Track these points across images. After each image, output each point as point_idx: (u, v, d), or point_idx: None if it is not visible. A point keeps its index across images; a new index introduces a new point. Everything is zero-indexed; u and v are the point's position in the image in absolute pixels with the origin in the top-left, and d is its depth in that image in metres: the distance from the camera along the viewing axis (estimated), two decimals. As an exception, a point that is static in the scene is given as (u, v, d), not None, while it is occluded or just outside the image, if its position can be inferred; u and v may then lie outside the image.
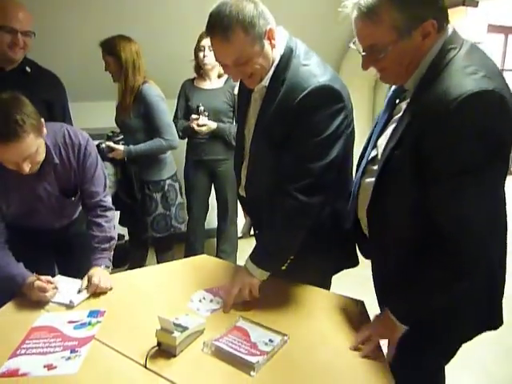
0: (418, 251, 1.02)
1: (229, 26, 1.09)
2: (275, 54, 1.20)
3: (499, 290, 1.12)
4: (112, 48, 2.24)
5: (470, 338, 1.16)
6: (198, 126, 2.50)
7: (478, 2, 2.97)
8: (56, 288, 1.39)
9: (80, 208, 1.73)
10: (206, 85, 2.60)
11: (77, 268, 1.55)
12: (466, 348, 1.17)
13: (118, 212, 2.38)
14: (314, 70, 1.18)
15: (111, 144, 2.31)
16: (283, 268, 1.31)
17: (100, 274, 1.44)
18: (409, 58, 0.97)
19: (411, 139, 0.96)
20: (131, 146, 2.31)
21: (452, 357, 1.20)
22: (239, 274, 1.30)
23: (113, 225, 1.65)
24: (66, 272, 1.56)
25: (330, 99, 1.17)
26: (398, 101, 1.11)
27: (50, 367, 1.07)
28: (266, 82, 1.22)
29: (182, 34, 2.62)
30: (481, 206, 0.93)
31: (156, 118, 2.27)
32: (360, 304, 1.30)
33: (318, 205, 1.22)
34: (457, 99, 0.86)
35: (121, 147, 2.30)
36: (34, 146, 1.33)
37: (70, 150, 1.51)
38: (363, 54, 1.00)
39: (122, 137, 2.34)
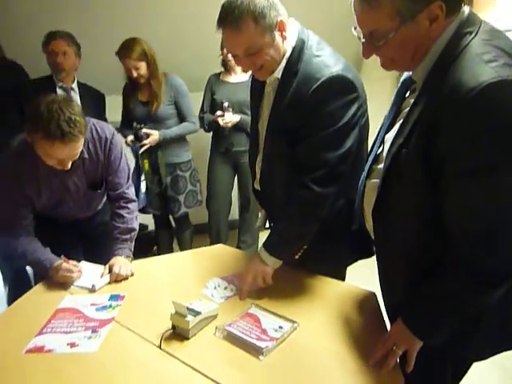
0: (427, 261, 0.95)
1: (239, 16, 1.10)
2: (286, 46, 1.21)
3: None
4: (140, 53, 2.36)
5: (483, 358, 1.06)
6: (223, 121, 2.57)
7: (508, -12, 2.84)
8: (80, 272, 1.47)
9: (104, 199, 1.80)
10: (231, 79, 2.66)
11: (100, 255, 1.63)
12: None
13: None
14: (326, 61, 1.18)
15: (148, 130, 2.47)
16: (296, 257, 1.33)
17: (121, 262, 1.51)
18: (414, 45, 0.87)
19: (421, 136, 0.86)
20: (164, 131, 2.52)
21: (462, 376, 1.14)
22: (253, 262, 1.33)
23: (135, 216, 1.71)
24: (90, 258, 1.64)
25: (344, 89, 1.17)
26: (408, 94, 1.03)
27: (72, 345, 1.14)
28: (278, 74, 1.24)
29: (206, 30, 2.65)
30: (505, 207, 0.82)
31: (186, 102, 2.56)
32: (372, 296, 1.31)
33: (332, 195, 1.23)
34: (473, 90, 0.76)
35: (156, 132, 2.48)
36: (82, 144, 1.41)
37: (98, 144, 1.57)
38: (363, 41, 0.92)
39: (151, 125, 2.51)
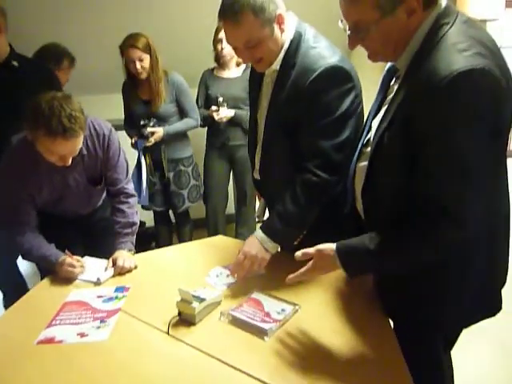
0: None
1: (239, 9, 1.14)
2: (284, 39, 1.25)
3: (497, 275, 1.09)
4: (146, 44, 2.39)
5: (466, 325, 1.14)
6: (218, 116, 2.60)
7: (492, -22, 2.90)
8: (83, 266, 1.50)
9: (104, 195, 1.83)
10: (225, 74, 2.69)
11: (101, 250, 1.66)
12: (481, 322, 1.15)
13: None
14: (323, 52, 1.23)
15: (153, 129, 2.50)
16: (295, 243, 1.37)
17: (124, 256, 1.54)
18: (395, 36, 0.94)
19: (401, 121, 0.93)
20: (167, 127, 2.55)
21: (451, 341, 1.21)
22: (251, 247, 1.31)
23: (135, 210, 1.74)
24: (92, 254, 1.66)
25: (341, 79, 1.22)
26: (393, 81, 1.08)
27: (82, 335, 1.17)
28: (276, 65, 1.28)
29: (200, 25, 2.70)
30: (471, 194, 0.90)
31: (187, 99, 2.60)
32: (368, 277, 1.36)
33: (336, 183, 1.27)
34: (446, 78, 0.83)
35: (160, 129, 2.52)
36: (82, 140, 1.44)
37: (96, 140, 1.59)
38: (348, 32, 0.98)
39: (155, 121, 2.54)
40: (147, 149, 2.57)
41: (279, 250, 1.38)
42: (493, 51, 0.89)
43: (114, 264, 1.51)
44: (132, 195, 1.75)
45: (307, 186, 1.27)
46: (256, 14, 1.15)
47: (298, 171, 1.28)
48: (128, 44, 2.37)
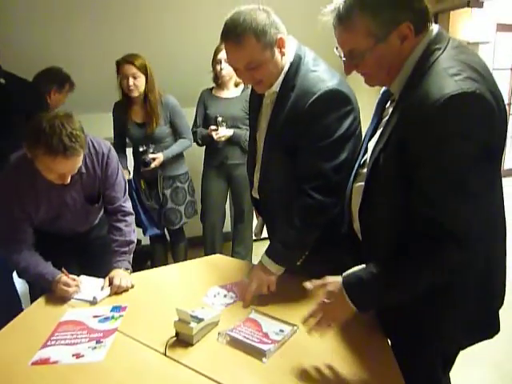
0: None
1: (242, 32, 1.17)
2: (285, 62, 1.28)
3: (493, 297, 1.09)
4: (143, 65, 2.43)
5: (462, 347, 1.14)
6: (217, 135, 2.63)
7: (482, 3, 2.99)
8: (78, 286, 1.49)
9: (101, 213, 1.83)
10: (224, 94, 2.72)
11: (97, 269, 1.64)
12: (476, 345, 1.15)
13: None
14: (322, 76, 1.25)
15: (154, 155, 2.54)
16: (298, 263, 1.37)
17: (120, 275, 1.53)
18: (388, 61, 0.97)
19: (396, 143, 0.95)
20: (166, 151, 2.59)
21: (449, 362, 1.20)
22: (257, 271, 1.35)
23: (132, 229, 1.74)
24: (87, 273, 1.65)
25: (339, 102, 1.24)
26: (388, 104, 1.11)
27: (77, 356, 1.16)
28: (276, 87, 1.30)
29: (198, 46, 2.76)
30: (467, 210, 0.91)
31: (182, 122, 2.64)
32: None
33: (334, 205, 1.27)
34: (438, 101, 0.85)
35: (160, 154, 2.55)
36: (82, 158, 1.45)
37: (95, 159, 1.60)
38: (343, 59, 1.01)
39: (154, 146, 2.57)
40: (142, 174, 2.59)
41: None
42: (484, 76, 0.91)
43: (111, 283, 1.50)
44: (130, 213, 1.75)
45: (303, 208, 1.28)
46: (258, 38, 1.18)
47: (296, 193, 1.29)
48: (124, 60, 2.41)
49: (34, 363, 1.14)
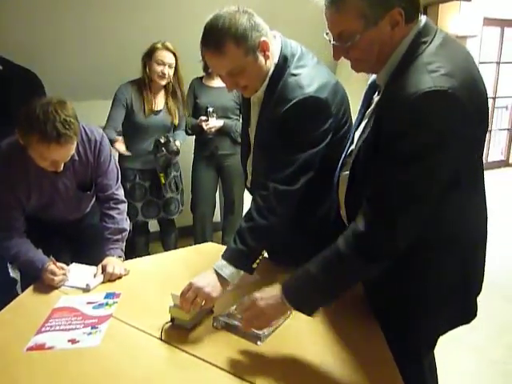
0: None
1: (220, 39, 1.12)
2: (269, 65, 1.23)
3: (471, 287, 1.13)
4: (176, 56, 2.46)
5: (442, 333, 1.18)
6: (207, 126, 2.62)
7: (471, -3, 3.04)
8: (65, 275, 1.48)
9: (93, 201, 1.82)
10: (214, 83, 2.70)
11: (89, 257, 1.64)
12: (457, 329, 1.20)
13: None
14: (300, 81, 1.20)
15: (177, 143, 2.58)
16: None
17: (114, 262, 1.53)
18: (378, 47, 0.97)
19: (373, 134, 1.00)
20: (178, 140, 2.63)
21: (431, 345, 1.23)
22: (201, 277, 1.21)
23: (125, 217, 1.74)
24: (79, 261, 1.65)
25: (314, 110, 1.20)
26: (375, 95, 1.12)
27: (73, 341, 1.16)
28: (261, 91, 1.27)
29: (190, 34, 2.71)
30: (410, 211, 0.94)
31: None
32: (359, 283, 1.39)
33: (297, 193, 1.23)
34: (411, 96, 0.88)
35: (179, 143, 2.61)
36: (75, 145, 1.44)
37: (87, 146, 1.59)
38: (333, 43, 1.00)
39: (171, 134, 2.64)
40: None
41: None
42: (466, 70, 0.93)
43: (104, 271, 1.50)
44: (122, 201, 1.75)
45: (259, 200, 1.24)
46: (238, 43, 1.13)
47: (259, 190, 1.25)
48: (165, 47, 2.42)
49: (29, 349, 1.14)
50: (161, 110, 2.55)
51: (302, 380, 1.01)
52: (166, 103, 2.55)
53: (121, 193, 1.75)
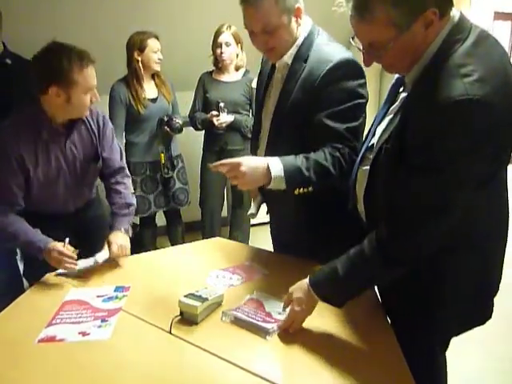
0: None
1: None
2: (299, 33, 1.30)
3: (489, 287, 1.11)
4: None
5: (457, 334, 1.17)
6: (218, 121, 2.60)
7: (482, -9, 3.00)
8: (74, 263, 1.45)
9: (94, 190, 1.81)
10: (225, 77, 2.69)
11: (97, 251, 1.60)
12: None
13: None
14: (337, 49, 1.29)
15: (179, 121, 2.60)
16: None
17: (118, 240, 1.53)
18: (412, 49, 0.92)
19: (399, 135, 0.95)
20: (180, 119, 2.63)
21: (445, 345, 1.23)
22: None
23: (131, 192, 1.75)
24: (86, 254, 1.59)
25: (356, 72, 1.27)
26: (401, 90, 1.08)
27: (84, 334, 1.17)
28: (289, 59, 1.32)
29: (199, 28, 2.72)
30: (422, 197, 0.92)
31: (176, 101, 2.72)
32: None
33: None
34: (441, 103, 0.84)
35: (180, 121, 2.61)
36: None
37: (92, 115, 1.62)
38: (363, 51, 0.96)
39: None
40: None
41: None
42: (501, 72, 0.89)
43: (109, 247, 1.52)
44: (128, 176, 1.76)
45: (331, 154, 1.26)
46: (276, 1, 1.19)
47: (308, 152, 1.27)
48: (153, 37, 2.47)
49: (40, 341, 1.15)
50: (157, 97, 2.58)
51: (310, 376, 1.01)
52: (159, 90, 2.60)
53: (126, 168, 1.77)
